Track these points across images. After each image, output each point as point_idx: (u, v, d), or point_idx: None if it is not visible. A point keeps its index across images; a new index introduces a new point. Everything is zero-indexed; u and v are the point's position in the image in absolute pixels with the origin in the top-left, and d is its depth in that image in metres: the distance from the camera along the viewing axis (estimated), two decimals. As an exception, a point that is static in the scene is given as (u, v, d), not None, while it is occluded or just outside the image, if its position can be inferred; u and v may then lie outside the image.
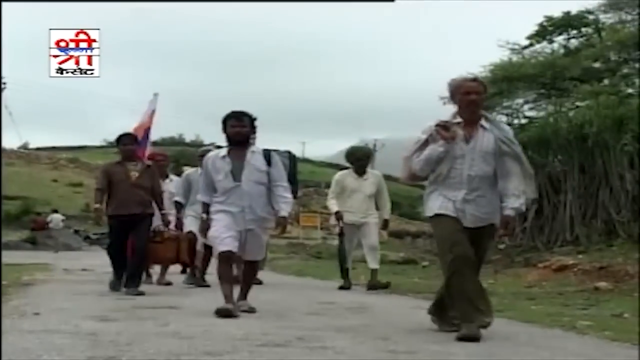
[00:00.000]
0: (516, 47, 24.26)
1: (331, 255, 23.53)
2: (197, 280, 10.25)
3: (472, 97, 5.53)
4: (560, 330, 6.02)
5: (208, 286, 9.79)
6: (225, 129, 6.80)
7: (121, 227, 8.93)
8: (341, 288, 10.52)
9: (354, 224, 10.49)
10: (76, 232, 37.63)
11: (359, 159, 10.77)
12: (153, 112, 12.09)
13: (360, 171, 10.67)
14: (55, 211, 36.51)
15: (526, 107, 24.62)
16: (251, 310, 6.68)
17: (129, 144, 9.14)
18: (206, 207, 6.82)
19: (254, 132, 6.95)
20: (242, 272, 7.32)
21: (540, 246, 17.02)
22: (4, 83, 51.13)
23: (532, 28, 24.52)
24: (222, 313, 6.17)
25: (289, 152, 7.78)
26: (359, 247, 10.80)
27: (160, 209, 9.25)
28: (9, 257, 18.94)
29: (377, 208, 10.69)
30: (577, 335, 5.61)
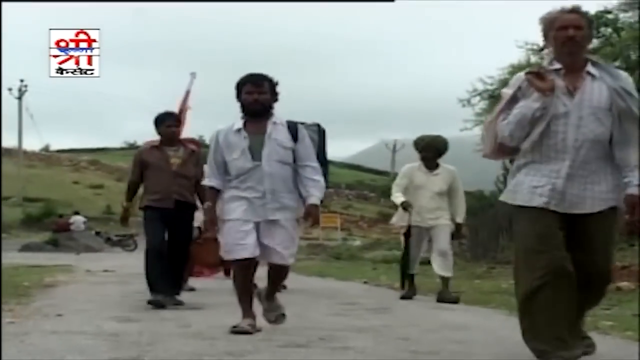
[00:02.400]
0: (535, 47, 24.16)
1: (351, 256, 23.57)
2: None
3: (570, 33, 4.12)
4: (582, 331, 5.98)
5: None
6: (239, 97, 5.51)
7: (160, 220, 7.44)
8: (403, 298, 8.93)
9: (420, 226, 8.87)
10: (97, 233, 37.82)
11: (422, 150, 9.06)
12: (188, 93, 10.77)
13: (430, 165, 9.00)
14: (77, 213, 36.71)
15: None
16: (280, 320, 5.69)
17: (172, 125, 7.74)
18: (214, 194, 5.52)
19: (276, 100, 5.57)
20: (269, 275, 5.69)
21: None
22: (25, 86, 51.75)
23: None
24: (239, 332, 5.22)
25: (318, 125, 6.21)
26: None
27: (203, 202, 6.74)
28: (31, 258, 19.15)
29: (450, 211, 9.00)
30: (600, 335, 5.57)
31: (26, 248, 31.69)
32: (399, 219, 9.15)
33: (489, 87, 23.02)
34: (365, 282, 12.68)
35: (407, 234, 8.98)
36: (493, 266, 15.62)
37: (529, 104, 4.11)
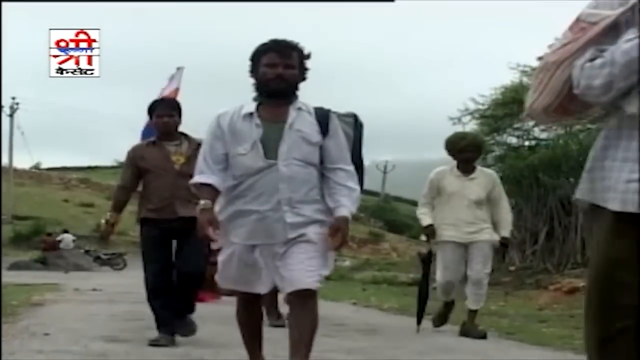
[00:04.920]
0: (527, 69, 24.29)
1: (340, 276, 23.59)
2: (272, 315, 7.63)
3: None
4: (571, 354, 5.99)
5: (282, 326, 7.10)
6: (255, 70, 4.06)
7: (160, 238, 6.05)
8: (438, 323, 7.50)
9: (455, 242, 7.17)
10: (87, 252, 37.62)
11: (463, 149, 7.32)
12: (177, 90, 9.93)
13: (466, 168, 7.32)
14: (66, 231, 36.59)
15: (536, 129, 24.60)
16: None
17: (165, 114, 6.20)
18: (210, 192, 3.97)
19: (304, 78, 4.13)
20: (290, 319, 4.07)
21: (551, 268, 16.94)
22: (17, 104, 51.71)
23: (544, 50, 24.59)
24: None
25: (355, 117, 4.53)
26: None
27: None
28: (20, 277, 19.04)
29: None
30: (589, 358, 5.56)
31: (15, 266, 31.48)
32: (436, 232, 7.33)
33: (480, 107, 23.08)
34: (354, 303, 12.64)
35: (428, 260, 7.46)
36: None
37: None
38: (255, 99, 4.06)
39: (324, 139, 4.02)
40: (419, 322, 7.32)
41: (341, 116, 4.37)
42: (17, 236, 43.63)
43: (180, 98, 8.92)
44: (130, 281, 15.28)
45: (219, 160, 4.00)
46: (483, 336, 6.95)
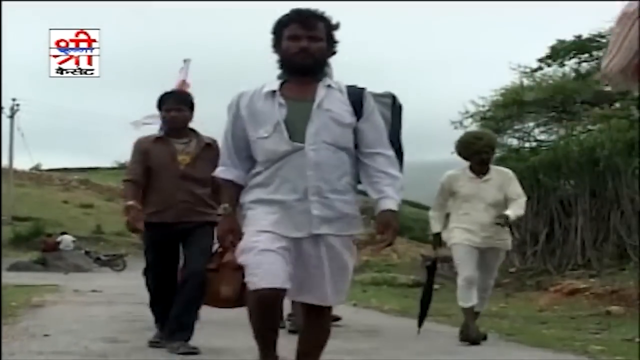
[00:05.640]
0: (527, 70, 24.29)
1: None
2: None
3: None
4: (572, 355, 5.97)
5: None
6: (278, 44, 3.59)
7: (164, 242, 5.66)
8: (465, 339, 6.63)
9: (472, 246, 6.69)
10: (87, 253, 37.64)
11: (479, 151, 6.81)
12: (184, 82, 9.47)
13: (480, 169, 6.85)
14: (64, 233, 36.68)
15: (537, 130, 24.60)
16: None
17: (173, 108, 5.76)
18: (233, 191, 3.59)
19: (333, 53, 3.66)
20: (304, 328, 3.86)
21: (551, 270, 16.92)
22: (17, 105, 51.68)
23: (545, 51, 24.59)
24: None
25: (393, 97, 4.00)
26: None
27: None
28: (19, 278, 19.02)
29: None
30: (589, 359, 5.55)
31: (14, 267, 31.46)
32: (447, 236, 6.89)
33: (481, 109, 23.10)
34: (354, 305, 12.63)
35: (432, 268, 6.95)
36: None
37: None
38: (279, 77, 3.60)
39: (358, 121, 3.55)
40: (420, 324, 6.82)
41: (377, 96, 3.82)
42: (17, 237, 43.65)
43: (190, 88, 8.54)
44: (130, 282, 15.28)
45: (241, 147, 3.56)
46: (483, 338, 6.71)
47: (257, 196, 3.48)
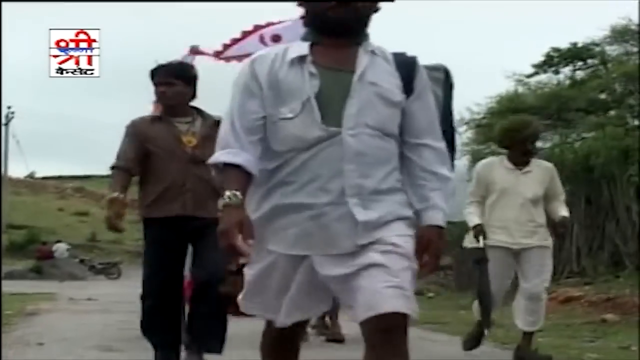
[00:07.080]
0: (522, 78, 24.34)
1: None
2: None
3: None
4: (567, 363, 5.97)
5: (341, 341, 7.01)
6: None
7: (169, 242, 4.70)
8: (469, 346, 6.29)
9: (504, 248, 5.86)
10: (81, 261, 37.63)
11: (526, 139, 5.97)
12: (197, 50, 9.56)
13: (522, 160, 5.98)
14: (59, 241, 36.71)
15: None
16: None
17: (163, 82, 4.83)
18: (238, 176, 2.48)
19: (376, 10, 2.63)
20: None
21: (546, 277, 16.97)
22: (12, 112, 51.65)
23: (539, 59, 24.67)
24: None
25: (446, 71, 3.02)
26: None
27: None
28: (14, 286, 18.97)
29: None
30: (585, 367, 5.56)
31: (9, 276, 31.36)
32: (472, 240, 5.94)
33: (476, 116, 23.13)
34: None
35: (482, 260, 5.82)
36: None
37: None
38: (305, 38, 2.64)
39: (407, 99, 2.60)
40: (488, 325, 6.06)
41: (428, 69, 2.82)
42: (12, 245, 43.60)
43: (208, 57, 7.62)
44: (125, 290, 15.24)
45: (254, 128, 2.54)
46: None
47: (275, 202, 2.53)
